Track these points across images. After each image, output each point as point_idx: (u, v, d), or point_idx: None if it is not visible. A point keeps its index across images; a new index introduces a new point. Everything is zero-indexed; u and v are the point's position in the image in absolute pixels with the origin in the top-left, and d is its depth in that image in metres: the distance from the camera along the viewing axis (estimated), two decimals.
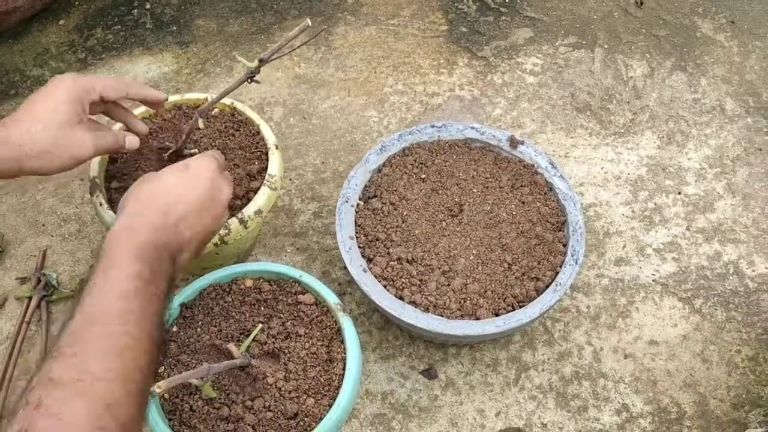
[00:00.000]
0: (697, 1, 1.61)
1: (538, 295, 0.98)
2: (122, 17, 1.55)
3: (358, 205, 1.06)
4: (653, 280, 1.17)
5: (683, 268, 1.19)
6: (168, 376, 0.86)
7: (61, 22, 1.54)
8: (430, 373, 1.07)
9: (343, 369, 0.86)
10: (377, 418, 1.02)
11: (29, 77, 1.44)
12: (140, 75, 1.44)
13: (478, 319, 0.96)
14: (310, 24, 0.77)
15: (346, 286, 1.15)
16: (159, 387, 0.70)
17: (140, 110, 1.09)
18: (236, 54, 1.48)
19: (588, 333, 1.11)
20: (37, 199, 1.25)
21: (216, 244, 0.97)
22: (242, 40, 1.51)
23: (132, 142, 0.93)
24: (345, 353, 0.87)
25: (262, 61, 0.81)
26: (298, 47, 0.96)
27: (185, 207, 0.77)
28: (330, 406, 0.84)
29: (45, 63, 1.46)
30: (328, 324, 0.91)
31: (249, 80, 0.84)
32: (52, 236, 1.20)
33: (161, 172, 0.81)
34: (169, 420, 0.83)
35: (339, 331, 0.90)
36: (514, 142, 1.12)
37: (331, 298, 0.91)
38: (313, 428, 0.81)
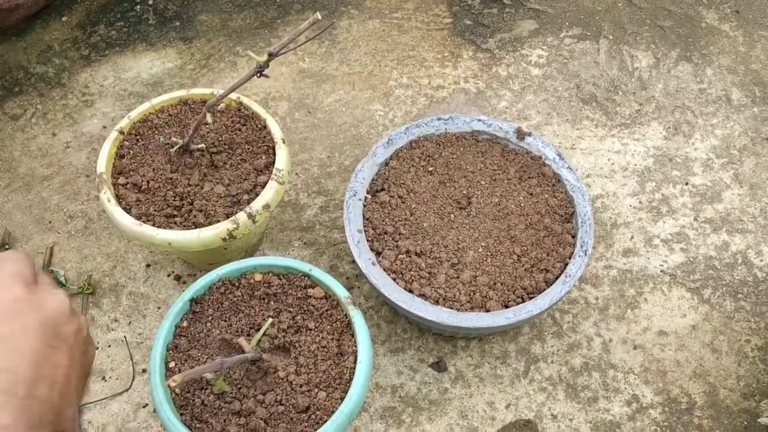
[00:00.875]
0: None
1: (548, 287, 0.98)
2: (125, 13, 1.55)
3: (365, 198, 1.06)
4: (661, 271, 1.17)
5: (691, 259, 1.18)
6: (179, 371, 0.86)
7: (64, 18, 1.53)
8: (439, 366, 1.07)
9: (354, 362, 0.86)
10: (387, 411, 1.02)
11: (33, 74, 1.43)
12: (144, 71, 1.44)
13: (488, 311, 0.96)
14: (320, 17, 0.77)
15: (354, 280, 1.15)
16: (174, 381, 0.69)
17: (144, 106, 1.09)
18: (242, 49, 1.47)
19: (597, 324, 1.11)
20: (43, 196, 1.25)
21: (224, 239, 0.97)
22: (245, 35, 1.50)
23: None
24: (356, 346, 0.87)
25: (271, 55, 0.81)
26: (306, 42, 0.96)
27: (23, 376, 0.48)
28: (342, 399, 0.84)
29: (48, 60, 1.46)
30: (338, 317, 0.91)
31: (258, 74, 0.83)
32: (59, 233, 1.20)
33: None
34: (181, 415, 0.83)
35: (349, 325, 0.90)
36: (521, 134, 1.12)
37: (340, 291, 0.91)
38: (325, 421, 0.81)
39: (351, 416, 0.82)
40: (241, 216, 0.97)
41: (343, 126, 1.35)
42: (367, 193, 1.07)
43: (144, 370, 1.06)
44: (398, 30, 1.52)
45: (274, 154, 1.04)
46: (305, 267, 0.93)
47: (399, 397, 1.03)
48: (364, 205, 1.05)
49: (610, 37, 1.51)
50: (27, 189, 1.26)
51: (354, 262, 1.00)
